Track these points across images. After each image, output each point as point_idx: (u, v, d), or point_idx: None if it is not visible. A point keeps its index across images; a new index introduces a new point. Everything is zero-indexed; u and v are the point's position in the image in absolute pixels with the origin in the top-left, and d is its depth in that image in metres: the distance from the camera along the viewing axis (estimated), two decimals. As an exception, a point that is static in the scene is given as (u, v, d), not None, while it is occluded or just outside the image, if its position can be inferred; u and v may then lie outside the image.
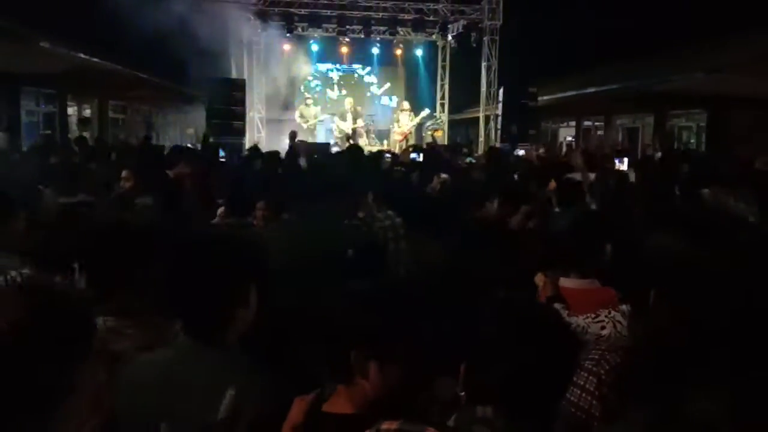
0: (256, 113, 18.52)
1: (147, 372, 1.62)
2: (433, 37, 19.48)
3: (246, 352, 1.68)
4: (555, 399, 1.46)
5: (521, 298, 2.31)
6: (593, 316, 2.23)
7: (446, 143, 18.13)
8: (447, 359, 1.50)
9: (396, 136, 17.17)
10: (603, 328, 2.20)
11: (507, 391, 1.38)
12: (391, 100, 19.66)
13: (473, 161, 10.56)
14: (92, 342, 1.01)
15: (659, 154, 9.50)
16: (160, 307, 1.81)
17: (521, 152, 11.54)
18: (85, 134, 13.85)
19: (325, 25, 17.92)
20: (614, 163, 6.49)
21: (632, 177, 6.46)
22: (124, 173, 5.01)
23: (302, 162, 8.40)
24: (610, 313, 2.24)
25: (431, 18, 17.99)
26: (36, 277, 2.40)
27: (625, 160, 6.45)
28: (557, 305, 2.33)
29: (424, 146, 13.48)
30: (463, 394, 1.44)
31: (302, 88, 19.52)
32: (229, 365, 1.58)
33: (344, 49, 19.05)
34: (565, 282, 2.56)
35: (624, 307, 2.28)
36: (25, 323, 0.92)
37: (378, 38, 18.63)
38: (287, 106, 19.22)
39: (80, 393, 0.96)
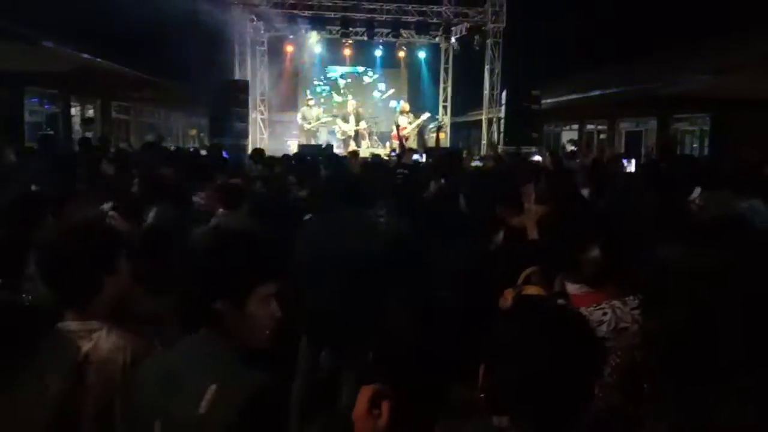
0: (258, 115, 18.53)
1: (151, 370, 1.65)
2: (436, 39, 19.48)
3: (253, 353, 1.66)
4: (575, 408, 1.36)
5: (543, 299, 2.29)
6: (595, 305, 2.25)
7: (448, 146, 18.12)
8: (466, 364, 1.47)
9: (394, 141, 17.11)
10: (605, 314, 2.21)
11: (523, 396, 1.32)
12: (398, 104, 19.63)
13: (480, 165, 10.52)
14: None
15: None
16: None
17: (537, 158, 11.46)
18: (89, 134, 13.86)
19: (328, 27, 17.95)
20: (622, 165, 6.43)
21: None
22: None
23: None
24: (610, 301, 2.25)
25: (434, 20, 18.01)
26: None
27: (633, 161, 6.39)
28: (561, 301, 2.33)
29: (427, 148, 13.45)
30: (482, 395, 1.40)
31: (308, 92, 19.54)
32: (217, 361, 1.57)
33: (347, 51, 19.07)
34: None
35: (628, 298, 2.28)
36: None
37: (381, 40, 18.66)
38: (290, 107, 19.26)
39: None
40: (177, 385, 1.55)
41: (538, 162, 11.01)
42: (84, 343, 1.84)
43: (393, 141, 17.11)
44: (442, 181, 6.50)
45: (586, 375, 1.37)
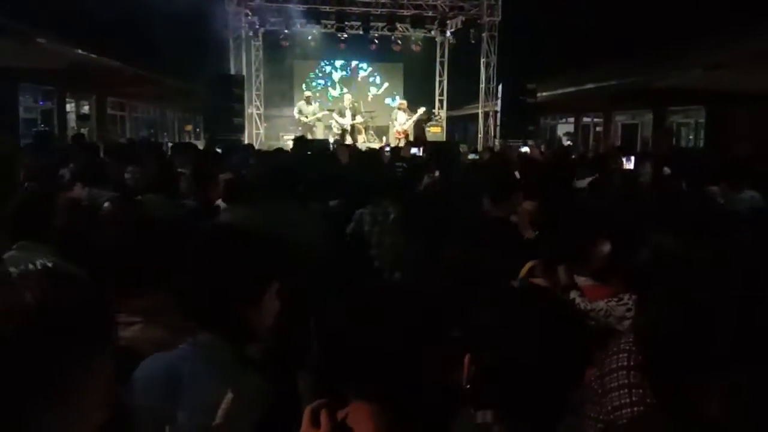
0: (254, 110, 18.48)
1: (157, 372, 1.57)
2: (432, 33, 19.43)
3: (261, 358, 1.64)
4: (558, 398, 1.32)
5: (529, 287, 2.26)
6: (616, 299, 2.19)
7: (445, 139, 18.11)
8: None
9: (394, 135, 17.12)
10: (629, 310, 2.14)
11: (506, 385, 1.29)
12: (394, 100, 19.62)
13: (477, 158, 10.53)
14: (110, 332, 0.95)
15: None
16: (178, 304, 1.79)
17: (525, 149, 11.47)
18: (83, 131, 13.81)
19: (323, 21, 17.88)
20: (622, 162, 6.36)
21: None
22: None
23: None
24: (631, 297, 2.19)
25: (430, 14, 17.96)
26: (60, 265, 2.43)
27: (632, 158, 6.32)
28: (573, 293, 2.32)
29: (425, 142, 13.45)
30: (468, 386, 1.34)
31: (304, 86, 19.51)
32: (231, 368, 1.53)
33: (342, 45, 19.02)
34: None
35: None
36: (43, 306, 0.85)
37: (377, 34, 18.59)
38: (286, 102, 19.22)
39: (91, 384, 0.90)
40: (186, 392, 1.49)
41: (525, 153, 11.05)
42: (123, 332, 1.81)
43: (394, 134, 17.13)
44: (436, 174, 6.46)
45: (575, 362, 1.33)
